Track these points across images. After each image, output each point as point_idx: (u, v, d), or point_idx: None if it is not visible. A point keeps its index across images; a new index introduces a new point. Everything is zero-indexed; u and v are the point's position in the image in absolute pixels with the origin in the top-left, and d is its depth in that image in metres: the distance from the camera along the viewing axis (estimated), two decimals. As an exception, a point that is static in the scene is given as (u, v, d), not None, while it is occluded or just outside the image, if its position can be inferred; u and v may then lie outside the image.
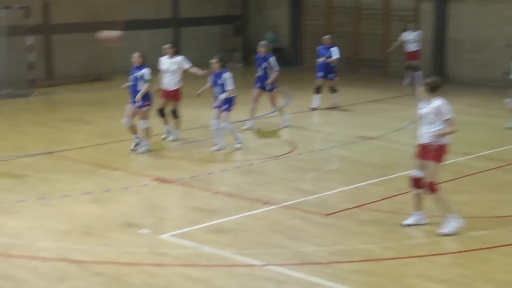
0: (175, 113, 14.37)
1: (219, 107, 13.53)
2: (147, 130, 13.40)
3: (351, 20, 24.43)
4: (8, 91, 19.44)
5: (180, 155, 13.49)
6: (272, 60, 15.47)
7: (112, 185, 11.49)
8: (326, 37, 18.01)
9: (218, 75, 13.44)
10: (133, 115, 13.42)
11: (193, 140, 14.47)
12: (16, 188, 11.26)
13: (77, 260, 8.45)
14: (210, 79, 13.67)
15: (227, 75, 13.40)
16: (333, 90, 17.97)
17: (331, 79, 17.82)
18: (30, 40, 19.38)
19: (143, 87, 13.15)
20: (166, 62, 14.30)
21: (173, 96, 14.30)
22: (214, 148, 13.57)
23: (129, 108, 13.43)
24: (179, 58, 14.35)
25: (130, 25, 23.18)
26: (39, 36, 20.84)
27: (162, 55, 14.51)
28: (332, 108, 17.81)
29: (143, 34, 24.06)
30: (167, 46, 14.47)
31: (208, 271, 8.26)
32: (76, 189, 11.25)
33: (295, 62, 25.54)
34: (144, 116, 13.38)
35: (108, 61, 22.58)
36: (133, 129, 13.47)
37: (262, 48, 15.62)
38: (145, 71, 13.21)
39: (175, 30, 25.18)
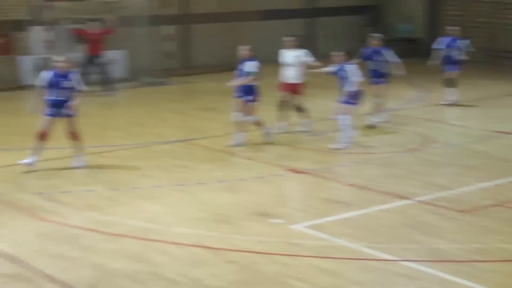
0: (299, 108, 14.23)
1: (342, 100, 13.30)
2: (258, 123, 13.28)
3: (491, 10, 23.54)
4: (148, 79, 20.07)
5: (313, 146, 13.46)
6: (389, 53, 14.90)
7: (246, 174, 11.63)
8: (455, 28, 17.11)
9: (341, 68, 13.21)
10: (242, 109, 13.23)
11: (326, 131, 14.40)
12: (154, 174, 11.61)
13: (211, 246, 8.60)
14: (335, 72, 13.43)
15: (349, 68, 13.14)
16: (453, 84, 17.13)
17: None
18: (169, 29, 19.90)
19: (247, 79, 13.10)
20: (288, 55, 14.17)
21: (294, 89, 14.14)
22: (337, 146, 13.17)
23: (237, 103, 13.33)
24: (301, 52, 14.11)
25: (265, 15, 23.41)
26: (178, 26, 21.38)
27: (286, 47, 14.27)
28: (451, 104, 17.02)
29: (278, 24, 24.18)
30: (289, 38, 14.24)
31: (340, 263, 8.20)
32: (211, 177, 11.47)
33: (430, 53, 24.86)
34: (250, 112, 13.24)
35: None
36: (241, 125, 13.29)
37: (374, 40, 15.01)
38: (253, 64, 13.18)
39: (309, 20, 25.15)
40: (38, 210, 9.79)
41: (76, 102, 11.58)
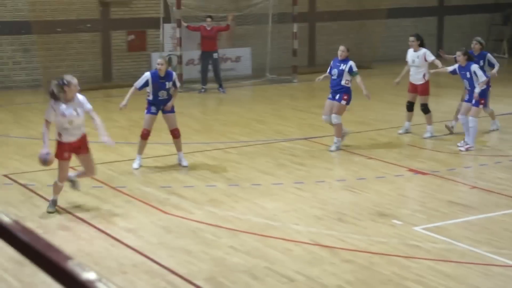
0: (424, 108, 13.91)
1: (470, 101, 12.91)
2: (337, 127, 12.90)
3: None
4: (273, 77, 20.25)
5: (436, 147, 13.17)
6: (490, 57, 14.22)
7: (366, 174, 11.52)
8: None
9: (465, 68, 12.83)
10: (331, 110, 12.91)
11: (450, 133, 14.04)
12: (274, 171, 11.71)
13: (328, 245, 8.58)
14: (457, 71, 13.09)
15: (474, 67, 12.74)
16: None
17: None
18: (295, 27, 20.00)
19: (355, 79, 12.88)
20: (411, 55, 13.93)
21: (420, 90, 13.85)
22: (461, 147, 12.87)
23: (328, 104, 13.02)
24: (423, 51, 13.79)
25: (393, 13, 23.08)
26: (303, 23, 21.46)
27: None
28: None
29: (406, 22, 23.81)
30: (411, 38, 14.01)
31: (461, 268, 7.98)
32: (331, 175, 11.45)
33: None
34: (339, 111, 12.92)
35: (369, 49, 22.67)
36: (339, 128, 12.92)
37: (477, 45, 14.23)
38: (351, 64, 12.93)
39: (439, 18, 24.59)
40: (162, 203, 10.09)
41: (173, 101, 11.69)
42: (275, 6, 20.30)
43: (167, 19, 19.66)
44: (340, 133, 12.89)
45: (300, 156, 12.57)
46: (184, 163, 11.79)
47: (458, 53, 13.00)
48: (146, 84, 11.57)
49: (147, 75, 11.58)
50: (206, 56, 18.63)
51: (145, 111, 11.74)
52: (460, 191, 10.68)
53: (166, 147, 13.02)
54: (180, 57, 19.02)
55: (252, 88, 19.49)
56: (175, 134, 11.79)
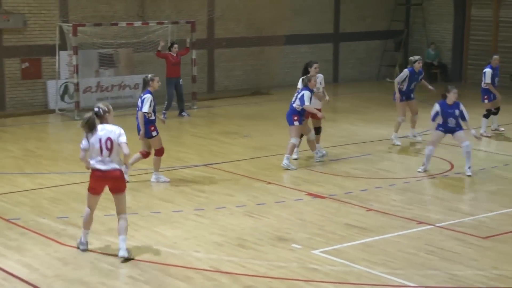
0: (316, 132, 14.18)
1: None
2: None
3: (517, 34, 23.45)
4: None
5: (334, 170, 13.42)
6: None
7: (266, 199, 11.61)
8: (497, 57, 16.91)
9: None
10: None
11: (347, 156, 14.35)
12: (174, 198, 11.64)
13: (229, 272, 8.58)
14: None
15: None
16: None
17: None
18: (194, 54, 20.03)
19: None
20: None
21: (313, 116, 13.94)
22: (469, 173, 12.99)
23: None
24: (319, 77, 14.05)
25: (291, 40, 23.48)
26: (202, 50, 21.53)
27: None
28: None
29: (303, 49, 24.26)
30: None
31: (358, 290, 8.14)
32: (231, 201, 11.47)
33: (457, 78, 24.82)
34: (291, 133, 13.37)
35: (267, 75, 22.95)
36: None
37: (419, 64, 15.31)
38: (304, 93, 13.21)
39: (335, 44, 25.19)
40: (58, 234, 9.85)
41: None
42: (174, 33, 20.31)
43: (63, 46, 19.33)
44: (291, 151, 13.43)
45: (200, 183, 12.55)
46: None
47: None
48: None
49: None
50: (172, 82, 18.56)
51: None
52: (357, 213, 10.90)
53: (63, 176, 12.77)
54: (77, 85, 18.73)
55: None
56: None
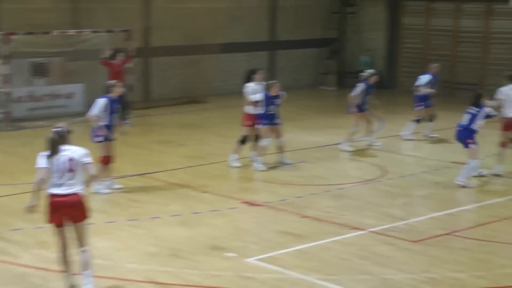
0: (243, 141, 14.24)
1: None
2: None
3: (449, 43, 23.97)
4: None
5: (270, 178, 13.49)
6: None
7: (201, 208, 11.59)
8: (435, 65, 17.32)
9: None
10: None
11: (283, 163, 14.43)
12: (107, 209, 11.52)
13: (163, 282, 8.53)
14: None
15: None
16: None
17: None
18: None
19: None
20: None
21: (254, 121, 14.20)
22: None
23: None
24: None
25: (227, 48, 23.53)
26: (138, 58, 21.39)
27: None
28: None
29: (239, 57, 24.33)
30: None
31: (291, 296, 8.18)
32: (166, 211, 11.41)
33: (390, 85, 25.24)
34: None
35: (204, 83, 22.95)
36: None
37: (374, 78, 15.93)
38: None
39: (271, 53, 25.34)
40: (-13, 247, 9.64)
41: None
42: (108, 42, 20.11)
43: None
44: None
45: (135, 192, 12.45)
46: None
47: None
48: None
49: None
50: None
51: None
52: (291, 220, 10.97)
53: (-7, 188, 12.52)
54: (9, 94, 18.38)
55: (85, 124, 19.05)
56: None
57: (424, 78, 16.85)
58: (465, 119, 12.94)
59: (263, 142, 13.96)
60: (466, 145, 12.85)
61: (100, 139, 12.21)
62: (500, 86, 14.04)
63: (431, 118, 17.04)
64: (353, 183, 13.14)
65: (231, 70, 23.59)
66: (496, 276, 8.79)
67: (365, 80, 15.85)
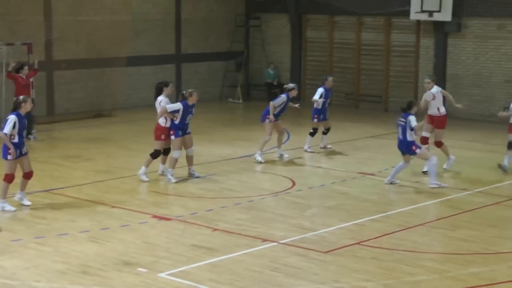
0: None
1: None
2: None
3: (352, 56, 24.53)
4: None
5: (180, 192, 13.42)
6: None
7: (111, 223, 11.41)
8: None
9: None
10: None
11: (193, 176, 14.39)
12: (12, 227, 11.17)
13: (73, 300, 8.36)
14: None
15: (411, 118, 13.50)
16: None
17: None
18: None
19: None
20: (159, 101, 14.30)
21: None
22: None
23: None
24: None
25: (132, 61, 23.30)
26: (41, 72, 20.89)
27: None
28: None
29: (145, 70, 24.16)
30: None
31: (205, 310, 8.16)
32: (74, 227, 11.17)
33: (295, 98, 25.52)
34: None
35: (110, 97, 22.64)
36: None
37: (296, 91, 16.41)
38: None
39: (177, 65, 25.27)
40: None
41: None
42: (9, 55, 19.57)
43: None
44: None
45: (41, 209, 12.14)
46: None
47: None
48: None
49: None
50: None
51: None
52: (203, 234, 10.95)
53: None
54: None
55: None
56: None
57: (318, 91, 17.10)
58: (399, 132, 13.62)
59: (175, 154, 13.91)
60: (412, 153, 13.49)
61: (10, 157, 11.86)
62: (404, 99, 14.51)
63: (325, 131, 17.30)
64: (263, 195, 13.23)
65: (137, 83, 23.40)
66: (404, 284, 9.01)
67: (287, 92, 16.17)
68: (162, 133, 14.00)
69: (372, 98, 23.86)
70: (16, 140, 11.87)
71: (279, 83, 25.97)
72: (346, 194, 13.44)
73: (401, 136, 13.62)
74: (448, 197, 13.14)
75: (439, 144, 15.16)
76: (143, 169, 14.00)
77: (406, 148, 13.60)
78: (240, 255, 10.00)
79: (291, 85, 16.50)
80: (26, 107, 11.99)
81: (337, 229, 11.22)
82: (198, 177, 14.27)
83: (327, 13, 24.71)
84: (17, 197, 12.35)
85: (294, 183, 14.07)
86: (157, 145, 14.06)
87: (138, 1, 23.64)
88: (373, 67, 24.14)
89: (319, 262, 9.74)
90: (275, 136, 16.13)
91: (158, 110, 14.03)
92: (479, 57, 21.99)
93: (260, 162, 15.67)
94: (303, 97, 25.53)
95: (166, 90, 14.23)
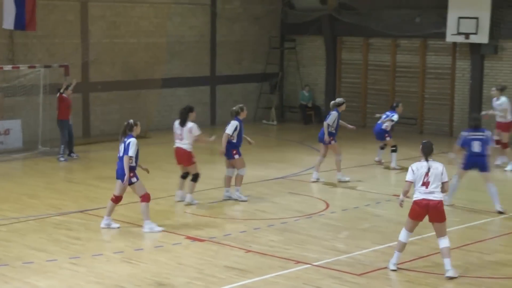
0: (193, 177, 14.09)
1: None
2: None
3: (387, 78, 24.43)
4: (45, 149, 19.67)
5: (214, 213, 13.42)
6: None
7: (144, 244, 11.46)
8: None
9: None
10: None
11: (226, 198, 14.39)
12: (47, 247, 11.26)
13: (106, 320, 8.37)
14: None
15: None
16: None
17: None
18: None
19: None
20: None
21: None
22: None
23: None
24: (191, 124, 13.89)
25: (168, 83, 23.50)
26: (77, 94, 21.17)
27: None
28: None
29: (180, 92, 24.32)
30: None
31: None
32: (108, 248, 11.24)
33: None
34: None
35: (145, 118, 22.80)
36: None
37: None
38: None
39: (212, 87, 25.40)
40: None
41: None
42: (46, 77, 19.87)
43: None
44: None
45: (76, 230, 12.23)
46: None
47: None
48: None
49: None
50: (66, 124, 18.43)
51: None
52: (236, 255, 10.92)
53: None
54: None
55: (23, 161, 18.75)
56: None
57: (394, 117, 17.59)
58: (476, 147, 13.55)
59: (242, 172, 14.27)
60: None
61: (134, 179, 12.25)
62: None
63: (393, 148, 17.75)
64: (296, 217, 13.17)
65: (172, 105, 23.55)
66: (439, 307, 8.89)
67: (336, 107, 16.21)
68: (193, 157, 13.87)
69: (407, 120, 23.67)
70: (133, 163, 12.14)
71: (314, 105, 25.99)
72: (380, 216, 13.33)
73: (480, 150, 13.42)
74: (484, 221, 12.96)
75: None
76: (189, 196, 13.96)
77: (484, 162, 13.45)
78: (274, 277, 9.95)
79: (339, 99, 16.52)
80: (137, 130, 12.28)
81: (371, 252, 11.11)
82: (245, 200, 14.29)
83: (362, 35, 24.69)
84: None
85: (328, 205, 13.99)
86: (194, 169, 13.96)
87: (174, 24, 23.89)
88: (408, 89, 24.01)
89: (352, 285, 9.65)
90: (308, 157, 16.08)
91: (185, 136, 13.75)
92: (515, 78, 21.76)
93: (347, 181, 15.93)
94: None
95: (192, 116, 13.97)
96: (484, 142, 13.39)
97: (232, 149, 14.13)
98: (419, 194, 10.11)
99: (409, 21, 23.33)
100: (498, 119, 17.90)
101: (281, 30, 26.71)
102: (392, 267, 10.15)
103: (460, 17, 21.66)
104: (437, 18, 22.61)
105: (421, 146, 10.36)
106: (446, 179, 10.10)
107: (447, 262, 9.90)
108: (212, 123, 25.15)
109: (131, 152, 11.99)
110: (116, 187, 12.29)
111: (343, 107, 16.30)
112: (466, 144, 13.48)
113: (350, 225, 12.78)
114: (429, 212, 10.04)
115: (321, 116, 25.80)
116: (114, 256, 10.83)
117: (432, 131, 23.24)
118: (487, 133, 13.58)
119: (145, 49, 23.17)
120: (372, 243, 11.55)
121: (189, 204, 13.88)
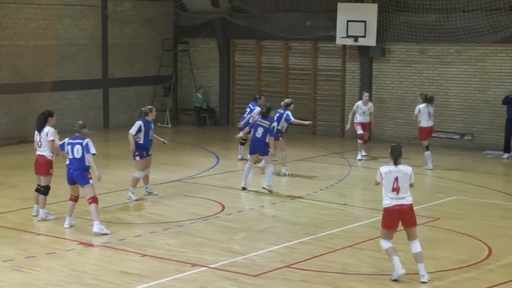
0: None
1: None
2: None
3: (280, 80, 24.77)
4: None
5: (107, 218, 13.22)
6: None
7: (36, 251, 11.16)
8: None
9: None
10: None
11: (120, 203, 14.23)
12: None
13: (-4, 331, 8.13)
14: None
15: None
16: None
17: None
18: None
19: None
20: None
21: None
22: None
23: None
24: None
25: (58, 86, 22.96)
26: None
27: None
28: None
29: (72, 95, 23.84)
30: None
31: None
32: (-2, 256, 10.89)
33: (224, 122, 25.65)
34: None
35: (34, 123, 22.18)
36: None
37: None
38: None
39: (104, 90, 25.01)
40: None
41: None
42: None
43: None
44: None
45: (-37, 239, 11.80)
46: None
47: None
48: None
49: None
50: None
51: None
52: (131, 260, 10.80)
53: None
54: None
55: None
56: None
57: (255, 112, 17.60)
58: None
59: (138, 174, 14.38)
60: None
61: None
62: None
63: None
64: (192, 219, 13.16)
65: (64, 109, 23.05)
66: (334, 305, 9.09)
67: (286, 107, 17.18)
68: (51, 168, 13.00)
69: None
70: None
71: (208, 107, 26.03)
72: (275, 217, 13.50)
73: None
74: (375, 219, 13.34)
75: None
76: (42, 212, 12.95)
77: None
78: (170, 280, 9.92)
79: (287, 100, 17.66)
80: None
81: (267, 252, 11.24)
82: (156, 194, 14.79)
83: (254, 37, 24.93)
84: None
85: (223, 207, 14.05)
86: (48, 180, 13.01)
87: (64, 26, 23.39)
88: (301, 91, 24.41)
89: (249, 286, 9.73)
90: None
91: (45, 142, 12.98)
92: (403, 81, 22.51)
93: (289, 175, 16.80)
94: (231, 121, 25.62)
95: (52, 121, 13.26)
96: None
97: (137, 150, 14.26)
98: (390, 200, 9.80)
99: (300, 24, 23.73)
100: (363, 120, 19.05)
101: (174, 33, 26.61)
102: (400, 271, 9.79)
103: (348, 21, 22.22)
104: (327, 22, 23.11)
105: (390, 149, 9.94)
106: (413, 181, 9.92)
107: (421, 267, 9.82)
108: (105, 126, 24.77)
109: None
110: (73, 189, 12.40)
111: (291, 107, 17.28)
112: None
113: (245, 226, 12.88)
114: (402, 217, 9.82)
115: (215, 118, 25.91)
116: (3, 264, 10.51)
117: (324, 132, 23.73)
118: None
119: (33, 51, 22.57)
120: (268, 243, 11.68)
121: (43, 219, 12.90)
